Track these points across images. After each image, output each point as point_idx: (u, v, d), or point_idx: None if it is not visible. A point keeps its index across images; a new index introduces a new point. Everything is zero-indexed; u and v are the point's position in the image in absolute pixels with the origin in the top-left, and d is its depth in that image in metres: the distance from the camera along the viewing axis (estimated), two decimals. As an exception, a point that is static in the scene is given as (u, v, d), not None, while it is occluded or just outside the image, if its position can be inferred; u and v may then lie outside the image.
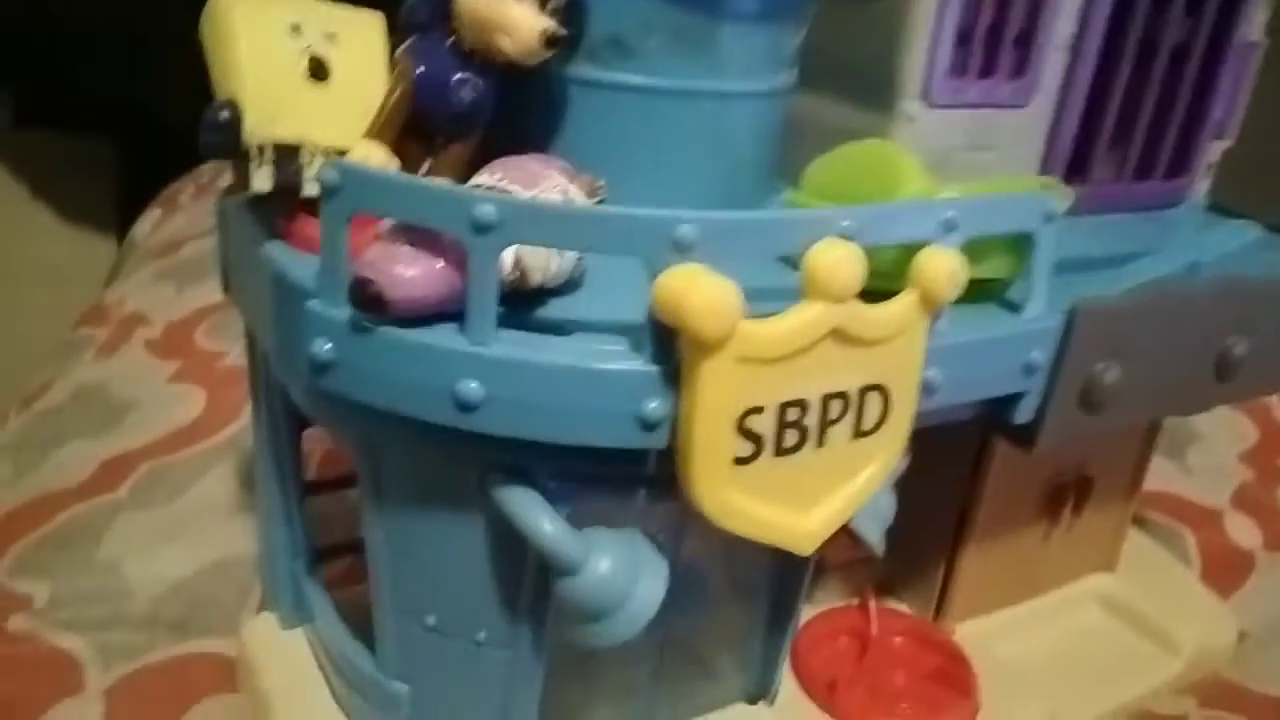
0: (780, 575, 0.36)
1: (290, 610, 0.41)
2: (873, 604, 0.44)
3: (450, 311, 0.27)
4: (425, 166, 0.33)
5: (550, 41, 0.30)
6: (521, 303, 0.29)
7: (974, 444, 0.43)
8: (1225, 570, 0.58)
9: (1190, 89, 0.46)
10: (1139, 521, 0.53)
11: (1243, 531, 0.62)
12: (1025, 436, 0.36)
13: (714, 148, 0.36)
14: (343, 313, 0.27)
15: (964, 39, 0.39)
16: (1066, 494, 0.47)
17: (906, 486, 0.34)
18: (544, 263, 0.28)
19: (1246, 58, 0.47)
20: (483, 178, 0.29)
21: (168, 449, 0.59)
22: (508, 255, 0.27)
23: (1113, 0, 0.42)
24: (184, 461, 0.58)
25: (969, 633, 0.46)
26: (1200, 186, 0.51)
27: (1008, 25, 0.40)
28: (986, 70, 0.41)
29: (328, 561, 0.42)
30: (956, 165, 0.41)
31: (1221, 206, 0.51)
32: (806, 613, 0.43)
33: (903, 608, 0.47)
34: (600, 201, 0.30)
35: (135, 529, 0.52)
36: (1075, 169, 0.46)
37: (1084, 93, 0.43)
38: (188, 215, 0.99)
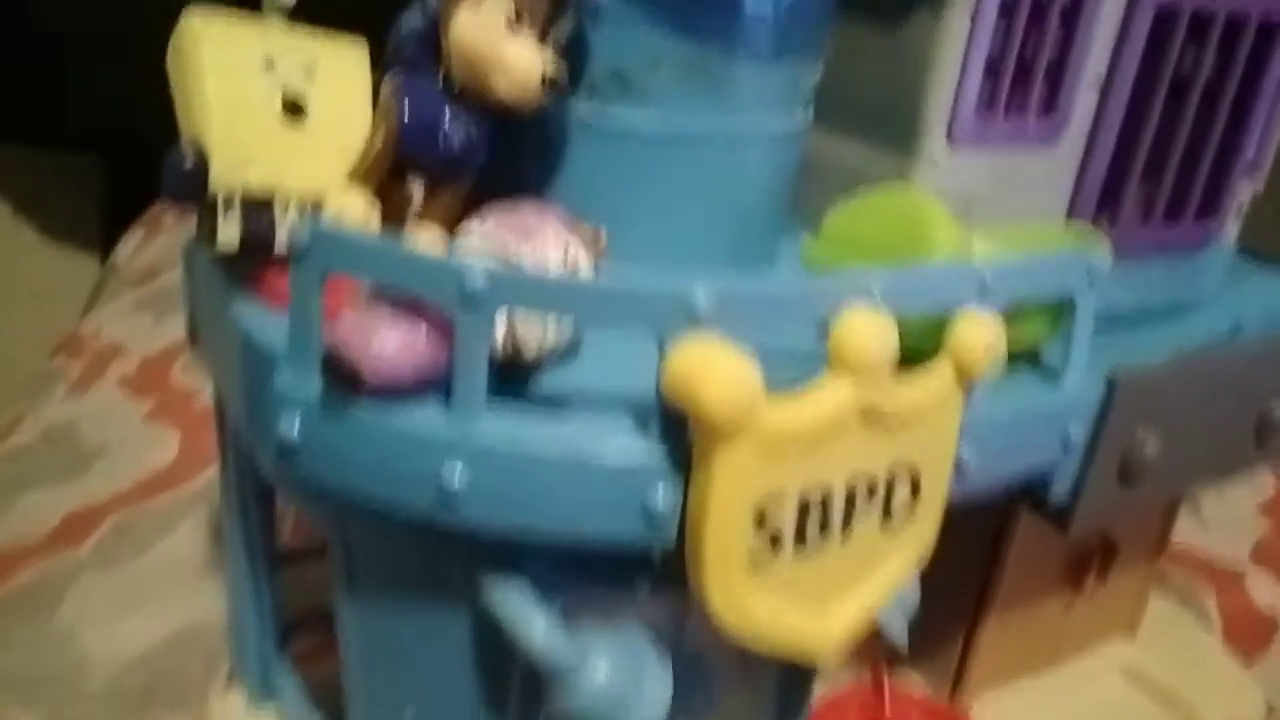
0: (789, 664, 0.33)
1: (259, 687, 0.37)
2: (887, 683, 0.41)
3: (433, 385, 0.24)
4: (412, 211, 0.30)
5: (550, 83, 0.27)
6: (513, 371, 0.26)
7: (995, 511, 0.40)
8: (1248, 634, 0.56)
9: (1223, 126, 0.44)
10: (1157, 579, 0.50)
11: (1264, 591, 0.60)
12: (1060, 515, 0.33)
13: (725, 193, 0.33)
14: (313, 388, 0.24)
15: (991, 71, 0.37)
16: (1091, 560, 0.44)
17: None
18: (540, 334, 0.25)
19: (1280, 93, 0.45)
20: (474, 227, 0.27)
21: (137, 498, 0.56)
22: (500, 326, 0.24)
23: (1148, 33, 0.39)
24: (153, 513, 0.55)
25: (987, 706, 0.43)
26: (1230, 228, 0.48)
27: (1039, 57, 0.37)
28: (1015, 106, 0.38)
29: (302, 634, 0.39)
30: (981, 208, 0.39)
31: (1251, 250, 0.49)
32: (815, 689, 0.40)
33: (917, 679, 0.44)
34: (601, 254, 0.28)
35: (98, 592, 0.49)
36: (1102, 211, 0.43)
37: (1115, 130, 0.41)
38: (170, 237, 0.96)
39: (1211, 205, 0.46)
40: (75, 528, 0.54)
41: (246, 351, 0.27)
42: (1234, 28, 0.41)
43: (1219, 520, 0.65)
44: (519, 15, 0.27)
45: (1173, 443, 0.34)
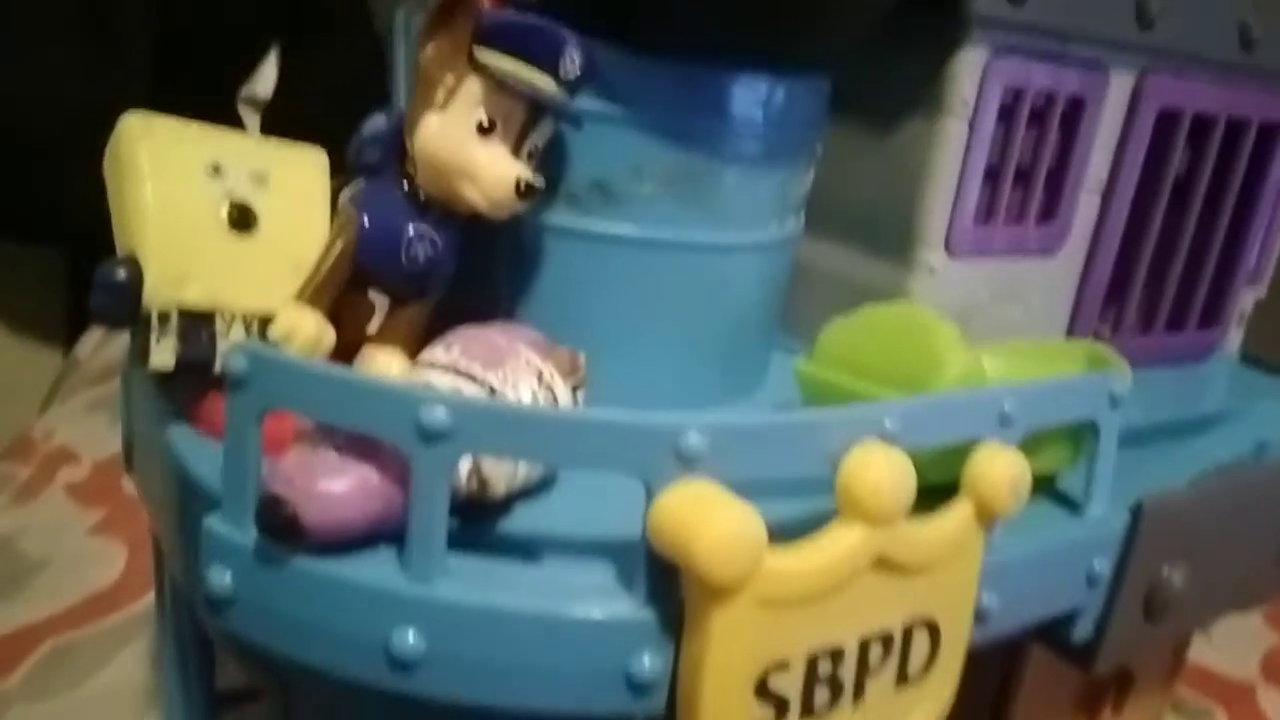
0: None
1: None
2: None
3: (386, 532, 0.21)
4: (372, 327, 0.28)
5: (525, 193, 0.25)
6: (478, 511, 0.23)
7: (1006, 646, 0.37)
8: (1265, 758, 0.52)
9: (1225, 231, 0.42)
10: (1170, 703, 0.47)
11: (1277, 705, 0.57)
12: (1082, 654, 0.30)
13: (712, 305, 0.31)
14: (248, 535, 0.21)
15: (989, 178, 0.35)
16: (1106, 692, 0.41)
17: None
18: (510, 470, 0.22)
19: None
20: (437, 353, 0.24)
21: (77, 621, 0.52)
22: (465, 461, 0.21)
23: (1149, 139, 0.38)
24: (93, 638, 0.51)
25: None
26: (1233, 337, 0.47)
27: (1039, 163, 0.36)
28: (1014, 214, 0.36)
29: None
30: (981, 321, 0.37)
31: (1256, 359, 0.47)
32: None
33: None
34: (581, 382, 0.25)
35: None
36: (1104, 320, 0.41)
37: (1117, 237, 0.39)
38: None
39: (1214, 314, 0.44)
40: (7, 653, 0.50)
41: (180, 486, 0.24)
42: (1235, 130, 0.40)
43: (1226, 634, 0.62)
44: (491, 121, 0.25)
45: (1199, 573, 0.31)
